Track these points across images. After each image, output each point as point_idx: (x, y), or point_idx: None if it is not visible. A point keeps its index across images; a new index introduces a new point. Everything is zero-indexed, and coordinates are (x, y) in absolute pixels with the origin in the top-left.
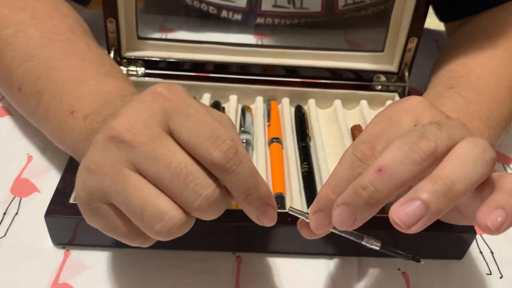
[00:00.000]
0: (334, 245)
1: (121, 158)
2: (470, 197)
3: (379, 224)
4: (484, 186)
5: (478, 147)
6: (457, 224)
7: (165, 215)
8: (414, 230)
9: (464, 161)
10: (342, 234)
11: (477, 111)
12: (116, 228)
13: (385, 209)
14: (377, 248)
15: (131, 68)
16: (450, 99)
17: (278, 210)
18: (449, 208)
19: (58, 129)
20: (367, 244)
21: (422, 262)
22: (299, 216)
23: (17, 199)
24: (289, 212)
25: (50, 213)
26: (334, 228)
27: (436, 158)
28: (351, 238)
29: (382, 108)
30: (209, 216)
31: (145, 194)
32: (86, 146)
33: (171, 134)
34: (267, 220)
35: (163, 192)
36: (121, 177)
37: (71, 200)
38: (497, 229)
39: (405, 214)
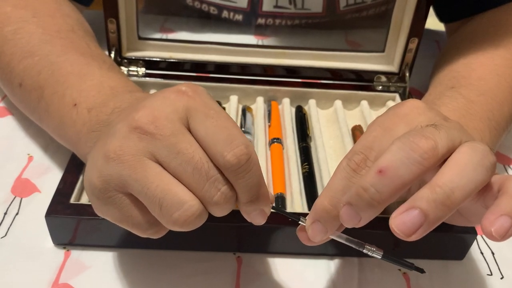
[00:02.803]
0: (335, 246)
1: (142, 149)
2: (471, 200)
3: (378, 225)
4: (485, 188)
5: (478, 152)
6: (458, 225)
7: (184, 204)
8: (414, 238)
9: (463, 167)
10: (343, 241)
11: (478, 111)
12: (129, 218)
13: (387, 210)
14: (379, 257)
15: (132, 68)
16: (452, 98)
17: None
18: (449, 215)
19: (60, 122)
20: (369, 253)
21: (426, 273)
22: (282, 213)
23: (17, 199)
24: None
25: (51, 213)
26: (335, 235)
27: (437, 159)
28: (352, 246)
29: (383, 109)
30: (222, 212)
31: (165, 183)
32: (91, 138)
33: (189, 131)
34: (256, 222)
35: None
36: (141, 166)
37: (72, 200)
38: (502, 237)
39: (403, 223)
